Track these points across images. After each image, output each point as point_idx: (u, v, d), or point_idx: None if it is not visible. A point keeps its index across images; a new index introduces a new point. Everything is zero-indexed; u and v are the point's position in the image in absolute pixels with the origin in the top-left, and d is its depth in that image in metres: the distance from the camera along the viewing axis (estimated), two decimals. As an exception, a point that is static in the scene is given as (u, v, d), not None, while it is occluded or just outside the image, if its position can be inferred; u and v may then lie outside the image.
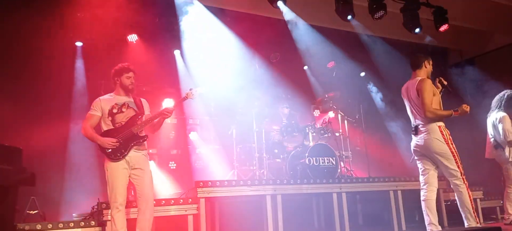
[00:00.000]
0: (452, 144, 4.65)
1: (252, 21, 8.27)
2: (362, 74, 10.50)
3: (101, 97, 4.62)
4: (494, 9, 8.94)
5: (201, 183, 5.43)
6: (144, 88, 8.48)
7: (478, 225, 4.63)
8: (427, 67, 4.95)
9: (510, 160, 6.10)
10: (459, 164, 4.62)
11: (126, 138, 4.43)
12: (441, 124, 4.70)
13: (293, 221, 6.40)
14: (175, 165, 8.45)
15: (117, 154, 4.39)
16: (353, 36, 9.19)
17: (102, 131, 4.51)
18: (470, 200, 4.60)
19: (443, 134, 4.64)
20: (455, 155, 4.63)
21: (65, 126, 7.10)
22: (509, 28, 9.83)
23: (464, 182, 4.62)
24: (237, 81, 7.84)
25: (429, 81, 4.74)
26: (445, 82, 5.01)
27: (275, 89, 8.39)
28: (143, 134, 4.60)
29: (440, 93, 4.90)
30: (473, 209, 4.59)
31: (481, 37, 10.37)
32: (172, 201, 5.29)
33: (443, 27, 8.07)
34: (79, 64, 7.92)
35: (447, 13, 8.02)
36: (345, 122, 7.88)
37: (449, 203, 7.09)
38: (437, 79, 5.02)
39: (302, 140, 7.19)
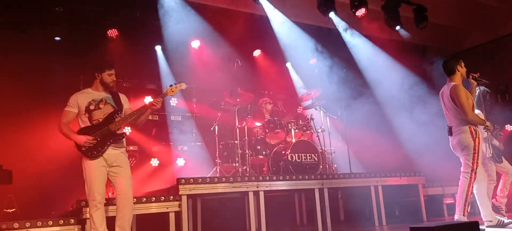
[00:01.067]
0: (478, 142, 5.08)
1: (234, 17, 8.24)
2: (344, 70, 10.58)
3: (77, 93, 4.50)
4: (472, 8, 9.11)
5: (183, 180, 5.38)
6: (124, 84, 8.38)
7: (464, 217, 5.00)
8: (460, 70, 5.28)
9: (487, 156, 6.23)
10: (476, 160, 5.04)
11: (103, 136, 4.34)
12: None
13: (275, 217, 6.42)
14: (157, 162, 8.38)
15: (94, 152, 4.30)
16: (335, 32, 9.25)
17: (79, 127, 4.40)
18: (468, 193, 5.03)
19: (472, 133, 5.08)
20: (476, 152, 5.05)
21: (43, 123, 6.96)
22: (486, 27, 10.03)
23: (471, 176, 5.05)
24: (219, 77, 7.81)
25: (461, 88, 5.13)
26: (476, 75, 5.37)
27: (258, 86, 8.39)
28: (121, 131, 4.52)
29: (475, 89, 5.38)
30: (466, 202, 5.02)
31: (459, 35, 10.55)
32: (153, 199, 5.23)
33: (423, 25, 8.18)
34: (58, 59, 7.77)
35: (427, 11, 8.13)
36: (327, 118, 7.92)
37: (428, 198, 7.22)
38: (470, 75, 5.37)
39: (284, 136, 7.20)
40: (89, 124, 4.38)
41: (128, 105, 4.68)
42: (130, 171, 4.53)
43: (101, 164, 4.33)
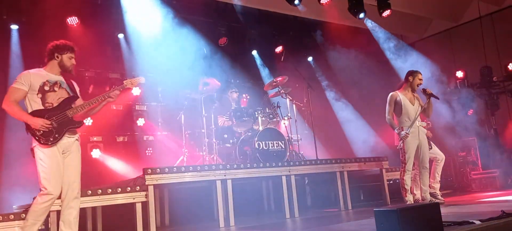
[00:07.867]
0: (403, 142, 5.79)
1: (200, 4, 8.14)
2: (310, 58, 10.68)
3: (30, 71, 4.10)
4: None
5: (149, 170, 5.31)
6: (86, 74, 8.15)
7: (405, 197, 5.86)
8: (410, 81, 5.93)
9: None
10: (404, 156, 5.82)
11: (60, 122, 4.00)
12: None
13: (243, 205, 6.44)
14: (122, 151, 8.24)
15: (50, 138, 3.92)
16: (301, 21, 9.30)
17: (29, 109, 3.98)
18: (401, 179, 5.91)
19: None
20: (403, 150, 5.83)
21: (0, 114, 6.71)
22: (445, 14, 10.34)
23: (402, 168, 5.88)
24: (185, 65, 7.72)
25: (391, 95, 5.93)
26: (429, 92, 5.92)
27: (224, 74, 8.36)
28: (79, 119, 4.24)
29: (427, 100, 5.90)
30: (402, 186, 5.89)
31: (421, 23, 10.83)
32: (119, 189, 5.13)
33: (386, 13, 8.32)
34: (15, 48, 7.47)
35: (390, -1, 8.29)
36: (294, 106, 7.98)
37: (391, 182, 7.42)
38: (422, 90, 5.94)
39: (251, 124, 7.21)
40: (42, 107, 4.00)
41: (78, 95, 4.35)
42: (80, 160, 4.20)
43: (57, 153, 3.98)
